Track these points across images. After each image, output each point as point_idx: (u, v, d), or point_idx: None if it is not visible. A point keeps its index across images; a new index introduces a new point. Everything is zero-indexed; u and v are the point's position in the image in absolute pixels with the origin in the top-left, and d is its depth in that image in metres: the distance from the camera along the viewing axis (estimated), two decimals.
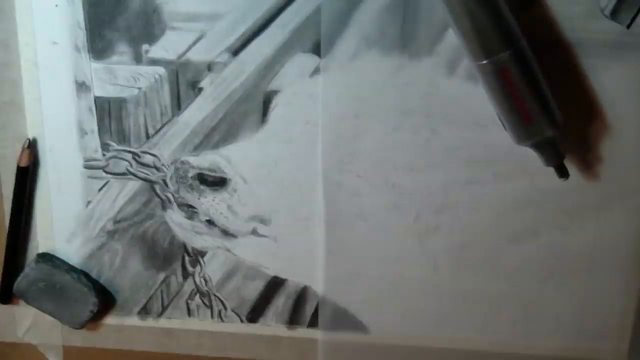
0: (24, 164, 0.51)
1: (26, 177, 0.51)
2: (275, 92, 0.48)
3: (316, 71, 0.47)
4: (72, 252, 0.54)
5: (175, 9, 0.47)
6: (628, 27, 0.44)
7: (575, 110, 0.46)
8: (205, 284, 0.53)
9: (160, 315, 0.55)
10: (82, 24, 0.48)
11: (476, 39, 0.42)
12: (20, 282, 0.53)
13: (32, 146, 0.51)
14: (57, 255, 0.54)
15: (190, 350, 0.56)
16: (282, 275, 0.52)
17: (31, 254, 0.54)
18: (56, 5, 0.48)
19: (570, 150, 0.46)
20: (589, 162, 0.47)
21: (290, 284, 0.52)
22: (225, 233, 0.52)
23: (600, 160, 0.47)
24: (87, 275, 0.54)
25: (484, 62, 0.42)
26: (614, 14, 0.43)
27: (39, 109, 0.50)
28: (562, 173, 0.45)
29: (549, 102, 0.43)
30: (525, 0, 0.44)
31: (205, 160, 0.50)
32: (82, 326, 0.54)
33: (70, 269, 0.53)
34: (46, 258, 0.53)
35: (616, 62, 0.45)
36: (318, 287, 0.52)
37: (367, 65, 0.47)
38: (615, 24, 0.44)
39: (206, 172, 0.50)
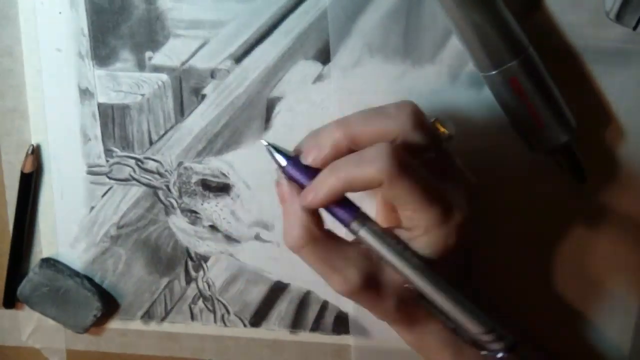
0: (27, 170, 0.51)
1: (30, 183, 0.52)
2: (278, 99, 0.48)
3: (319, 78, 0.48)
4: (76, 257, 0.54)
5: (178, 16, 0.47)
6: (634, 28, 0.44)
7: (581, 117, 0.46)
8: (209, 289, 0.54)
9: (163, 319, 0.55)
10: (86, 31, 0.48)
11: (482, 51, 0.41)
12: (23, 287, 0.54)
13: (35, 152, 0.51)
14: (61, 260, 0.54)
15: (193, 354, 0.56)
16: (285, 280, 0.53)
17: (35, 259, 0.54)
18: (60, 13, 0.48)
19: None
20: (595, 167, 0.47)
21: (293, 288, 0.53)
22: (229, 238, 0.52)
23: (607, 165, 0.47)
24: (90, 280, 0.54)
25: (492, 73, 0.42)
26: (619, 17, 0.43)
27: (42, 115, 0.50)
28: (580, 178, 0.45)
29: (561, 107, 0.43)
30: (528, 7, 0.44)
31: (208, 166, 0.50)
32: (85, 330, 0.55)
33: (74, 273, 0.54)
34: (49, 263, 0.54)
35: (622, 67, 0.45)
36: (320, 291, 0.52)
37: (370, 72, 0.47)
38: (621, 29, 0.44)
39: (209, 178, 0.51)
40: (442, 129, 0.39)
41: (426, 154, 0.39)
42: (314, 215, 0.38)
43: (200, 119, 0.49)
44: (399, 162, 0.36)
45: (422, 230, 0.38)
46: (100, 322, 0.55)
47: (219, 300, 0.54)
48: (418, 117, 0.38)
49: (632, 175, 0.47)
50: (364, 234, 0.38)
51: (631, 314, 0.50)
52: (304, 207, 0.38)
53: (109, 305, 0.55)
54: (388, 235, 0.38)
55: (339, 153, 0.38)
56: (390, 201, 0.38)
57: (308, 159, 0.38)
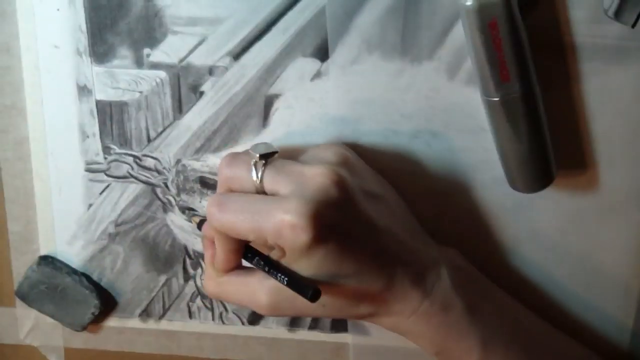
0: None
1: None
2: (276, 96, 0.48)
3: (317, 75, 0.48)
4: (74, 254, 0.54)
5: (176, 13, 0.47)
6: (633, 26, 0.44)
7: (574, 114, 0.46)
8: None
9: (161, 317, 0.55)
10: (84, 28, 0.48)
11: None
12: (21, 285, 0.54)
13: None
14: (59, 257, 0.54)
15: (191, 352, 0.56)
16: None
17: (32, 257, 0.54)
18: (58, 9, 0.48)
19: (568, 156, 0.47)
20: (587, 167, 0.47)
21: None
22: None
23: (599, 164, 0.47)
24: (88, 277, 0.54)
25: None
26: (618, 15, 0.43)
27: (40, 112, 0.50)
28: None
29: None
30: (528, 4, 0.44)
31: (206, 164, 0.50)
32: (83, 328, 0.55)
33: (72, 271, 0.54)
34: (47, 261, 0.53)
35: (619, 65, 0.45)
36: None
37: (368, 69, 0.47)
38: (619, 27, 0.44)
39: (207, 176, 0.51)
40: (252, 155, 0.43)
41: None
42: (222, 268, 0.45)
43: (198, 116, 0.49)
44: (216, 202, 0.42)
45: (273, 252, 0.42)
46: (98, 319, 0.55)
47: None
48: (230, 160, 0.44)
49: (614, 174, 0.47)
50: None
51: (633, 295, 0.50)
52: (212, 262, 0.46)
53: (107, 303, 0.55)
54: None
55: None
56: None
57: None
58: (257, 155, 0.42)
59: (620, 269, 0.49)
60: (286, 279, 0.40)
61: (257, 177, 0.41)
